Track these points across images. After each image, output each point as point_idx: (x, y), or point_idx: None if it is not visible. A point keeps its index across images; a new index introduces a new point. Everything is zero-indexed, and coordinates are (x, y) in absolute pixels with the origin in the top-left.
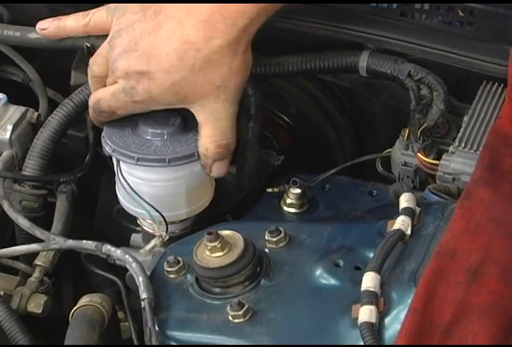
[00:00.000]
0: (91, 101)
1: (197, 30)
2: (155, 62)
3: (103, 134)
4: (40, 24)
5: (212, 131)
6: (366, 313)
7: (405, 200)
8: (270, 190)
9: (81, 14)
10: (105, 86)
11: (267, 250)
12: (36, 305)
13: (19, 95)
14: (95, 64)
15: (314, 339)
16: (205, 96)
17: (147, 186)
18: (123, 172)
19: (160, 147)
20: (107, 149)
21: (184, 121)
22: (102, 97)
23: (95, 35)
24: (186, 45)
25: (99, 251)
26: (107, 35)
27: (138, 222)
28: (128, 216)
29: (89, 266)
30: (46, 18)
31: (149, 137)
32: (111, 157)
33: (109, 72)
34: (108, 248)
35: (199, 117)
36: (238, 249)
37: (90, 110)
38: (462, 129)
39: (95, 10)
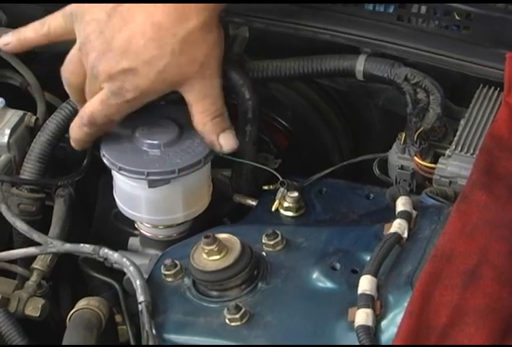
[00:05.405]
0: (84, 119)
1: (168, 16)
2: (134, 57)
3: (102, 152)
4: (2, 40)
5: (204, 107)
6: (362, 316)
7: (401, 204)
8: (266, 187)
9: (37, 23)
10: (84, 93)
11: (264, 253)
12: (34, 308)
13: (17, 99)
14: (68, 73)
15: (310, 342)
16: (192, 75)
17: (144, 190)
18: (120, 177)
19: (165, 158)
20: (112, 167)
21: (180, 127)
22: (93, 110)
23: None
24: (161, 33)
25: (96, 255)
26: None
27: (136, 225)
28: (126, 220)
29: (87, 269)
30: None
31: (149, 149)
32: None
33: (90, 80)
34: (105, 251)
35: (189, 97)
36: (235, 252)
37: (84, 129)
38: (458, 133)
39: (50, 17)
